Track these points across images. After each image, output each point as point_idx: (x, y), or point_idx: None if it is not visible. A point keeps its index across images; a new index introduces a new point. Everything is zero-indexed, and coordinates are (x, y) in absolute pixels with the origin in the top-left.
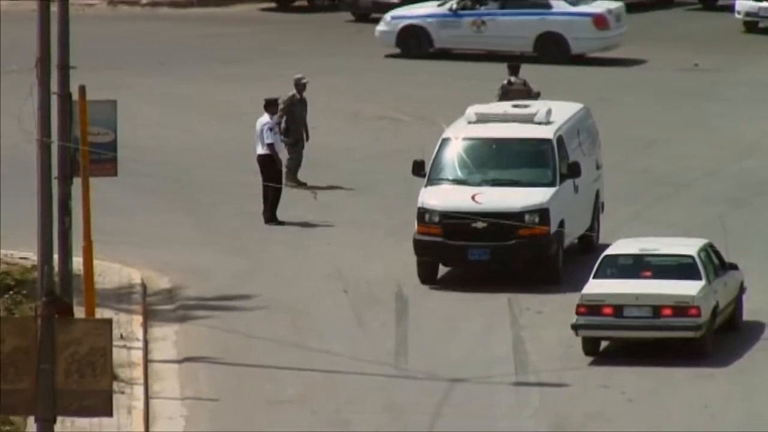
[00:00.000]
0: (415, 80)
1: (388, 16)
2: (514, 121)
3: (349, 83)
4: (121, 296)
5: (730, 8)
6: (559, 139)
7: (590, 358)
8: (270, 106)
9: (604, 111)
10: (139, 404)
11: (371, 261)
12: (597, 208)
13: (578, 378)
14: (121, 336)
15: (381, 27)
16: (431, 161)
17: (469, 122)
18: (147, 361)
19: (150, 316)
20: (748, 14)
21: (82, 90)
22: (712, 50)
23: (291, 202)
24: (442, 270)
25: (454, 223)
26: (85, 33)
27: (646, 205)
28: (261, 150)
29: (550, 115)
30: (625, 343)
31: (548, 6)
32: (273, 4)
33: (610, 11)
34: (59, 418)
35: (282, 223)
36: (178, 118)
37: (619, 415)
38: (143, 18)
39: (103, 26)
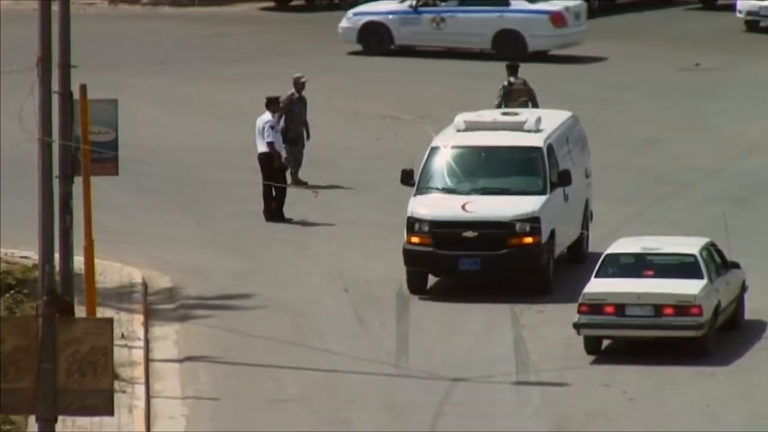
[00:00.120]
0: (409, 79)
1: (350, 12)
2: (503, 129)
3: (350, 82)
4: (122, 295)
5: (730, 8)
6: (549, 147)
7: (591, 357)
8: (271, 104)
9: (604, 110)
10: (140, 403)
11: (372, 260)
12: (587, 217)
13: (579, 377)
14: (122, 335)
15: (343, 23)
16: (420, 170)
17: (458, 130)
18: (148, 361)
19: (151, 315)
20: (749, 13)
21: (83, 89)
22: (713, 49)
23: (291, 202)
24: (434, 278)
25: (444, 232)
26: (86, 32)
27: (647, 204)
28: (262, 148)
29: (539, 123)
30: (627, 342)
31: (506, 3)
32: (272, 4)
33: (568, 9)
34: (60, 418)
35: (289, 221)
36: (178, 117)
37: (620, 414)
38: (144, 17)
39: (104, 25)
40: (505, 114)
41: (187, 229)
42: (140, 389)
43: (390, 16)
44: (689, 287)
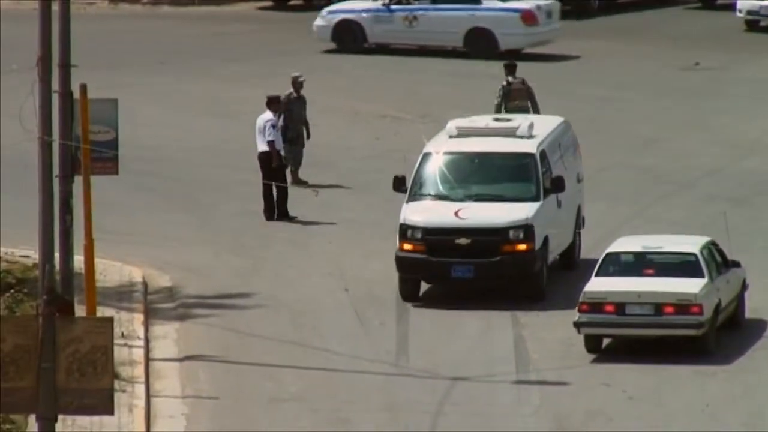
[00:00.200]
0: (409, 79)
1: (324, 11)
2: (495, 135)
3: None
4: (122, 295)
5: (730, 7)
6: (542, 153)
7: (591, 357)
8: (272, 103)
9: (604, 110)
10: (140, 402)
11: (372, 260)
12: (579, 223)
13: (579, 376)
14: (122, 334)
15: (318, 22)
16: (412, 176)
17: (450, 136)
18: (148, 360)
19: (151, 314)
20: (749, 13)
21: (83, 88)
22: (713, 49)
23: (292, 201)
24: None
25: (438, 239)
26: (86, 31)
27: (647, 204)
28: (262, 147)
29: (532, 129)
30: (627, 340)
31: (478, 2)
32: (270, 3)
33: (539, 7)
34: (60, 417)
35: (293, 218)
36: (178, 116)
37: (620, 413)
38: (144, 16)
39: (104, 25)
40: (497, 120)
41: (187, 228)
42: (140, 388)
43: (363, 14)
44: (690, 286)
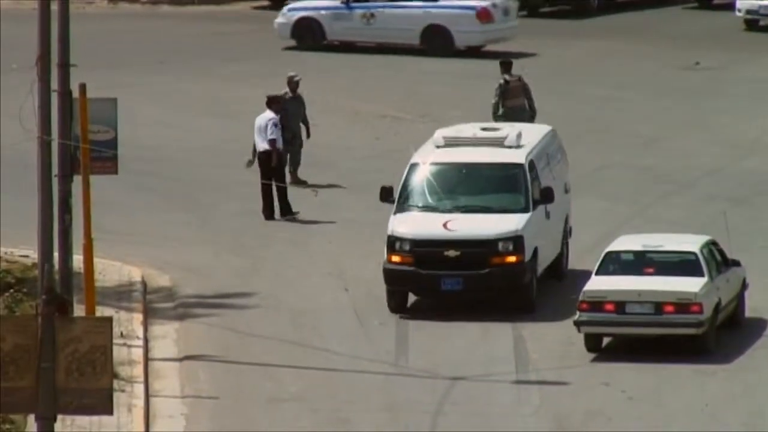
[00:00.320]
0: (409, 79)
1: (285, 8)
2: (483, 144)
3: (349, 81)
4: (121, 294)
5: (728, 6)
6: (531, 164)
7: (591, 356)
8: (272, 103)
9: (605, 109)
10: (140, 402)
11: (372, 260)
12: (566, 234)
13: (579, 376)
14: (122, 334)
15: (278, 19)
16: (399, 187)
17: (437, 146)
18: (147, 359)
19: (150, 314)
20: (748, 12)
21: (83, 88)
22: (713, 48)
23: (292, 201)
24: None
25: (426, 251)
26: (86, 31)
27: (647, 203)
28: (263, 146)
29: (520, 139)
30: (627, 339)
31: None
32: (266, 2)
33: (495, 5)
34: (59, 417)
35: (296, 213)
36: (178, 116)
37: (619, 413)
38: (143, 16)
39: (104, 24)
40: (485, 129)
41: (187, 227)
42: (139, 388)
43: (323, 12)
44: (690, 285)
